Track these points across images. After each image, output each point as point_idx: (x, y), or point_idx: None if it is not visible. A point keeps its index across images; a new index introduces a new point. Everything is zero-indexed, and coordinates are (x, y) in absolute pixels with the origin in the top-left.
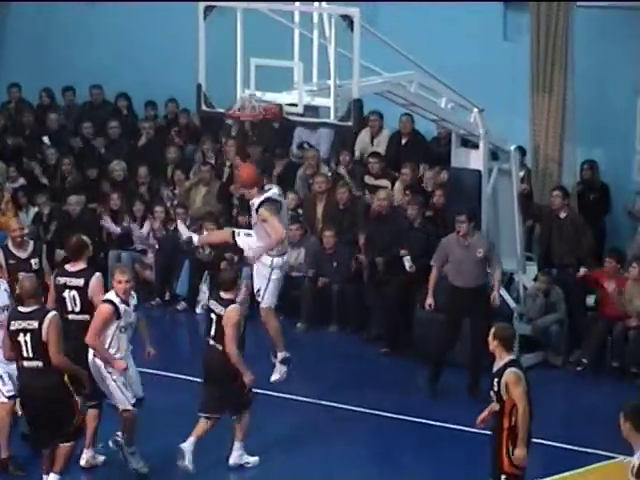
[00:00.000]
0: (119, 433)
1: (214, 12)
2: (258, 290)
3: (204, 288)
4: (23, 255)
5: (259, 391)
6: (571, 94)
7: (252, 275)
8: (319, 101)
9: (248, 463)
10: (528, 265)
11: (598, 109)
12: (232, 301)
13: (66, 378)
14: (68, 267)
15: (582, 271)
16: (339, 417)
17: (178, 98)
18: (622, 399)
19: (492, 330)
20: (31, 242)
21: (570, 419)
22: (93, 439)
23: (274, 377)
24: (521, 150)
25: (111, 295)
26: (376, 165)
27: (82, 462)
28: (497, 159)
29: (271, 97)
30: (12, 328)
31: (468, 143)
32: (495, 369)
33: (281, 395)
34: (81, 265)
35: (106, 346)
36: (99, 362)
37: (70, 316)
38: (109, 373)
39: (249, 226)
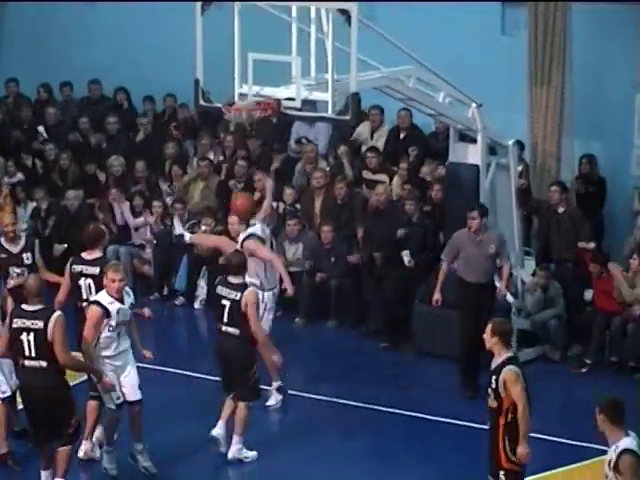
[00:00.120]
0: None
1: (212, 7)
2: None
3: (202, 283)
4: (14, 250)
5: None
6: (569, 88)
7: None
8: (317, 95)
9: (247, 458)
10: (526, 260)
11: (596, 104)
12: (244, 285)
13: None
14: (84, 255)
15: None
16: (337, 412)
17: (176, 93)
18: (620, 393)
19: (490, 326)
20: (23, 237)
21: (568, 414)
22: (92, 431)
23: (270, 402)
24: (519, 145)
25: (100, 296)
26: (374, 160)
27: (80, 454)
28: (495, 154)
29: (269, 92)
30: (14, 326)
31: (466, 138)
32: (493, 366)
33: None
34: (97, 254)
35: (94, 343)
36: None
37: (85, 304)
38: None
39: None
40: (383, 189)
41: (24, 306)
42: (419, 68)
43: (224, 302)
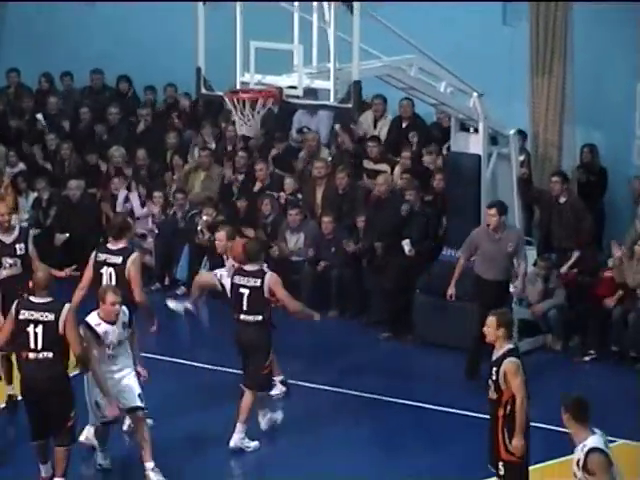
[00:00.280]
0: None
1: None
2: None
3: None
4: (8, 240)
5: None
6: (570, 78)
7: None
8: (319, 84)
9: (248, 447)
10: (528, 250)
11: (597, 93)
12: (262, 271)
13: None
14: (110, 245)
15: None
16: (338, 401)
17: (177, 83)
18: (621, 383)
19: (494, 318)
20: (17, 227)
21: None
22: None
23: (273, 392)
24: (521, 134)
25: (91, 317)
26: (375, 149)
27: (82, 438)
28: (497, 144)
29: (271, 80)
30: (21, 317)
31: (468, 127)
32: (494, 358)
33: None
34: (122, 244)
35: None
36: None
37: None
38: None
39: (246, 214)
40: (384, 179)
41: (32, 298)
42: (421, 57)
43: (242, 290)
